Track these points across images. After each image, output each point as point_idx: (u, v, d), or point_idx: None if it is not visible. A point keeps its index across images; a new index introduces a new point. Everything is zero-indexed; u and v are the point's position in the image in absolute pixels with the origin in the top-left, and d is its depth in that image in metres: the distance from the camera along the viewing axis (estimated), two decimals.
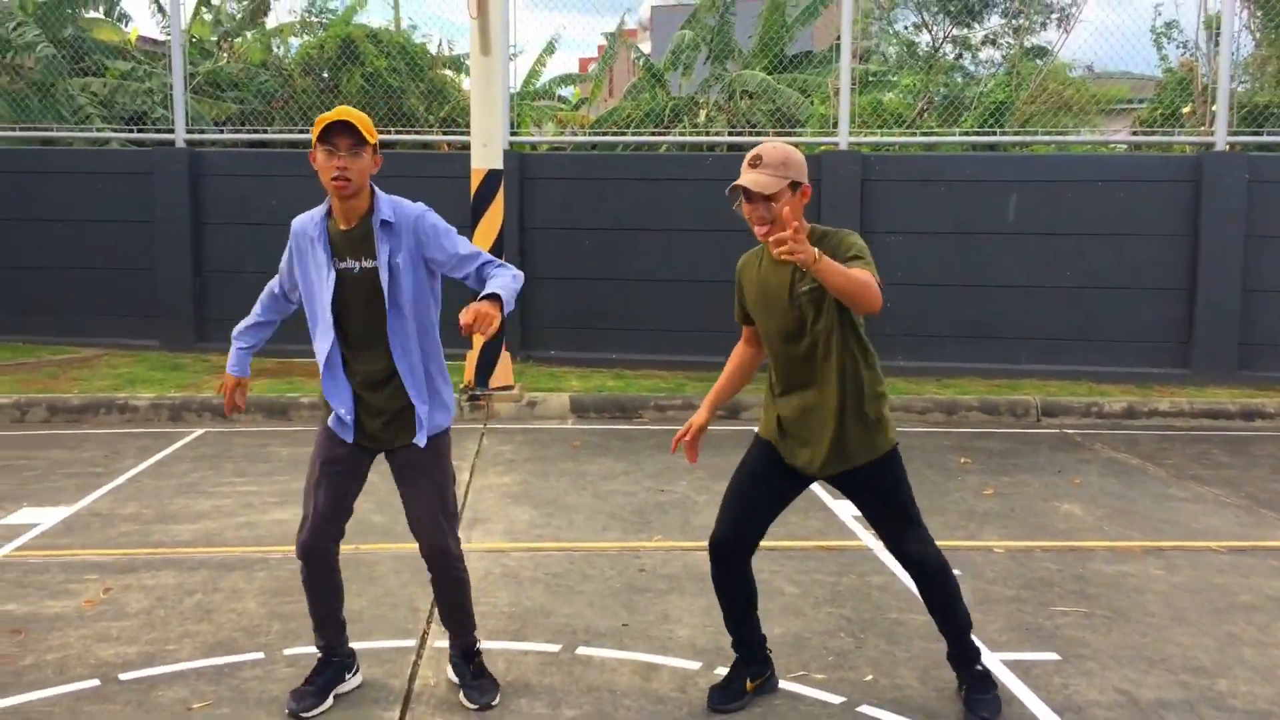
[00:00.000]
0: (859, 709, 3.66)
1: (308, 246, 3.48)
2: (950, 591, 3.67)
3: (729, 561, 3.62)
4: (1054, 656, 4.13)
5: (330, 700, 3.62)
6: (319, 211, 3.50)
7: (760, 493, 3.62)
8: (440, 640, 4.18)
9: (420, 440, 3.50)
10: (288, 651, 4.05)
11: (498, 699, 3.65)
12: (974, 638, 3.76)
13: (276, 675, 3.83)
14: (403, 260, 3.43)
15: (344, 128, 3.29)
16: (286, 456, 7.29)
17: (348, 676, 3.74)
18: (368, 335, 3.47)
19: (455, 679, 3.75)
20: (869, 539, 5.59)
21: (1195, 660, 4.11)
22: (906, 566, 3.66)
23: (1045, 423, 8.92)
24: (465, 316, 3.09)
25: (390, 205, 3.46)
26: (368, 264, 3.42)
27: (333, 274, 3.43)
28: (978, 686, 3.67)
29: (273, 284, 3.74)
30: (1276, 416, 8.96)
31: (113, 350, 10.89)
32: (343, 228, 3.44)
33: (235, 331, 3.80)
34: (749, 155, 3.33)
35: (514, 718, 3.55)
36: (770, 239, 3.02)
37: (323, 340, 3.48)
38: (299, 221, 3.54)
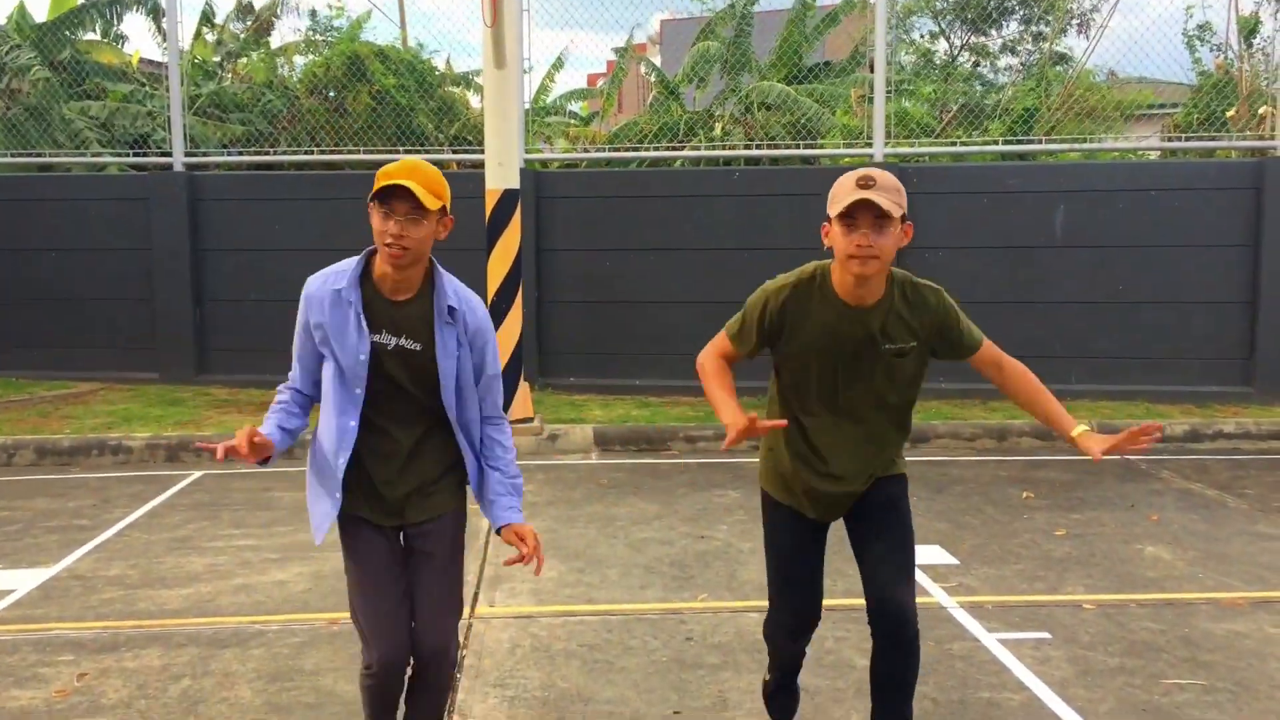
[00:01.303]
0: None
1: (332, 313, 2.84)
2: (917, 666, 3.10)
3: (810, 632, 3.26)
4: None
5: None
6: (348, 273, 2.85)
7: (817, 557, 3.20)
8: None
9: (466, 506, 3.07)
10: None
11: None
12: None
13: None
14: (462, 355, 2.91)
15: (402, 193, 2.71)
16: (289, 503, 6.71)
17: None
18: (405, 411, 2.91)
19: None
20: (940, 594, 4.99)
21: None
22: (884, 620, 3.06)
23: None
24: (526, 547, 3.06)
25: (454, 289, 2.90)
26: (409, 344, 2.85)
27: (366, 345, 2.83)
28: None
29: (294, 381, 2.99)
30: None
31: (110, 384, 10.35)
32: (390, 298, 2.85)
33: (274, 408, 3.00)
34: (857, 176, 2.78)
35: None
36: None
37: (342, 417, 2.88)
38: (317, 285, 2.87)
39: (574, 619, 4.71)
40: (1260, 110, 11.19)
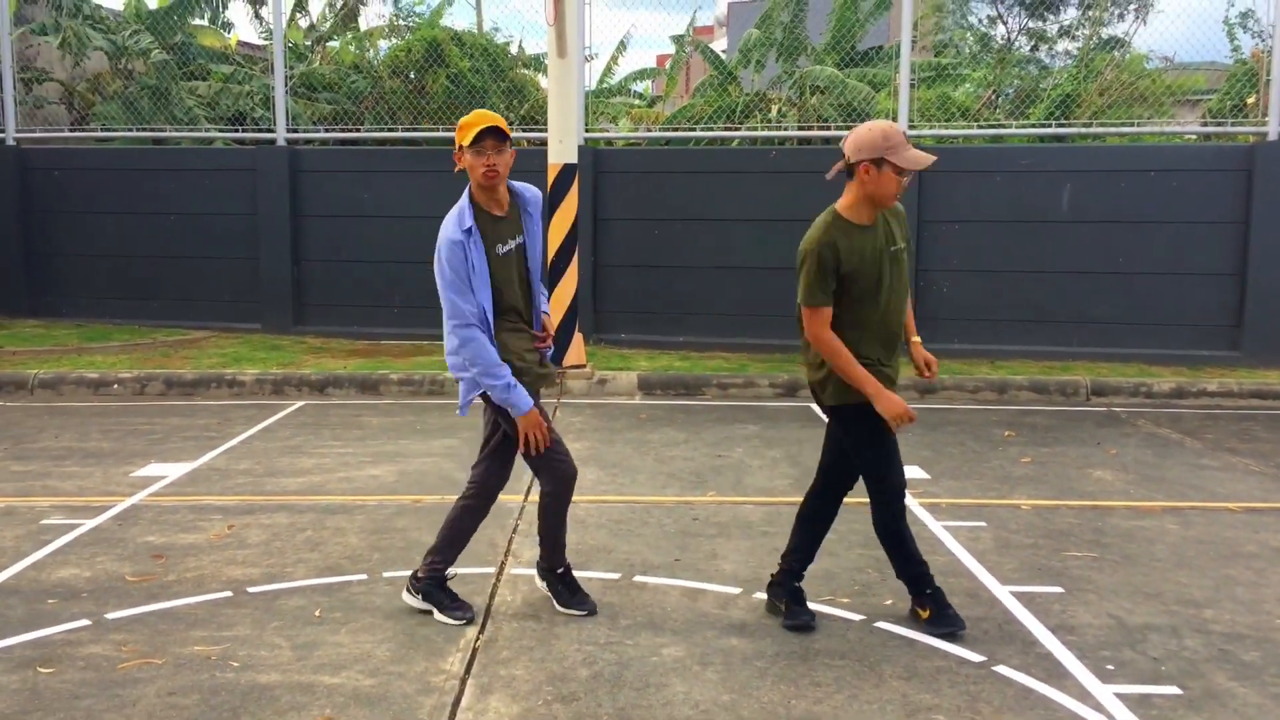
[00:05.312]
0: (875, 625, 4.22)
1: (466, 243, 3.98)
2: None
3: None
4: (1059, 590, 4.62)
5: None
6: (463, 212, 4.01)
7: None
8: (516, 567, 4.83)
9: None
10: (386, 574, 4.73)
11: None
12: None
13: (379, 591, 4.51)
14: (536, 232, 4.20)
15: (493, 132, 3.94)
16: (377, 425, 8.01)
17: None
18: (518, 302, 4.14)
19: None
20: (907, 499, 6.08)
21: (1189, 595, 4.58)
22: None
23: (1094, 401, 9.29)
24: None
25: (519, 189, 4.18)
26: (515, 241, 4.11)
27: (486, 258, 4.01)
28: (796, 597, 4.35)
29: (470, 314, 3.96)
30: None
31: (219, 333, 11.79)
32: (496, 214, 4.07)
33: (498, 370, 4.01)
34: (904, 131, 3.91)
35: (578, 625, 4.17)
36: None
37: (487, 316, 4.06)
38: (449, 229, 3.96)
39: (605, 505, 5.92)
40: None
